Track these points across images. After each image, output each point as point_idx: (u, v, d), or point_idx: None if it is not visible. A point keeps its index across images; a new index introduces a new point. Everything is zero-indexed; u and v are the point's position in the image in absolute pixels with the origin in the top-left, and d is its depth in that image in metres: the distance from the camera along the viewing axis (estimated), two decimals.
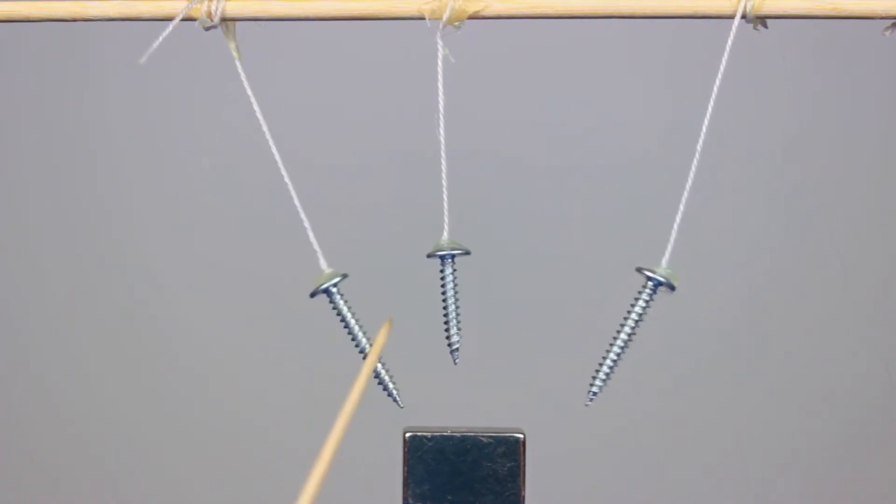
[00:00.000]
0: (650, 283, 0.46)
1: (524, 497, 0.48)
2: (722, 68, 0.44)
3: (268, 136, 0.46)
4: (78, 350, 1.02)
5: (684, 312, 0.98)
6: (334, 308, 0.48)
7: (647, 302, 0.46)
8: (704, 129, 0.44)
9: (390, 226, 0.99)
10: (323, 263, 0.48)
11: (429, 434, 0.48)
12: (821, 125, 0.98)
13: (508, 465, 0.48)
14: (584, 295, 0.98)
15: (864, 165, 0.99)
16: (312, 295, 0.48)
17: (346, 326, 0.49)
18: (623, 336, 0.46)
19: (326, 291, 0.48)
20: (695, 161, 0.45)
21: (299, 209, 0.48)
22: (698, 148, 0.44)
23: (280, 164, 0.47)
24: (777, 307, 1.01)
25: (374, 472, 0.82)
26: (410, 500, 0.48)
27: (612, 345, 0.46)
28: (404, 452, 0.48)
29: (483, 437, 0.48)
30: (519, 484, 0.48)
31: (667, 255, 0.46)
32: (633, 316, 0.46)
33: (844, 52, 0.96)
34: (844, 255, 0.96)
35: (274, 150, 0.47)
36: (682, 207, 0.45)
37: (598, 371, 0.47)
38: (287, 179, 0.47)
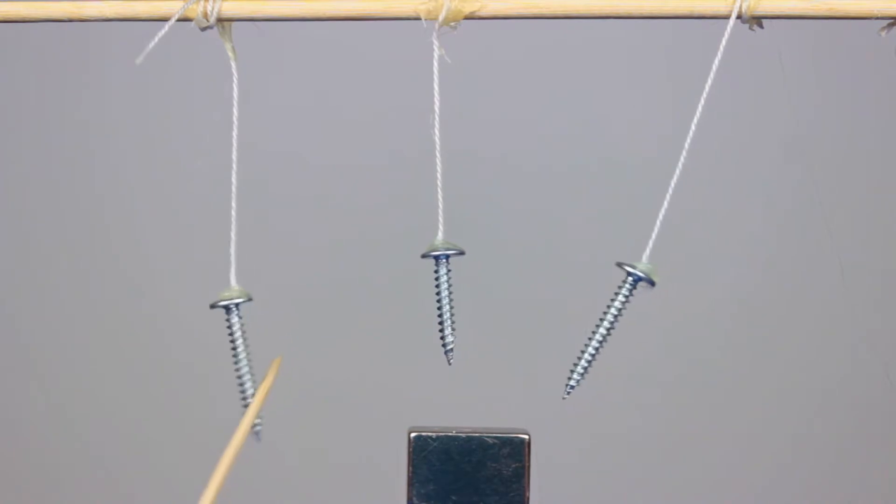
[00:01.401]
0: (630, 279, 0.46)
1: (528, 498, 0.48)
2: (714, 67, 0.44)
3: (234, 137, 0.46)
4: (77, 349, 1.02)
5: (684, 313, 0.98)
6: (229, 329, 0.46)
7: (626, 297, 0.46)
8: (693, 127, 0.44)
9: (385, 226, 0.99)
10: (233, 279, 0.47)
11: (433, 434, 0.47)
12: (819, 125, 0.98)
13: (513, 465, 0.47)
14: (580, 295, 0.97)
15: (863, 165, 0.99)
16: (212, 306, 0.46)
17: (234, 352, 0.47)
18: (601, 331, 0.46)
19: (226, 308, 0.46)
20: (682, 158, 0.45)
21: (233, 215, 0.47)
22: (686, 145, 0.44)
23: (234, 167, 0.47)
24: (776, 307, 1.01)
25: (378, 472, 0.82)
26: (415, 501, 0.48)
27: (589, 339, 0.47)
28: (409, 452, 0.48)
29: (488, 437, 0.48)
30: (524, 485, 0.48)
31: (647, 251, 0.46)
32: (612, 311, 0.46)
33: (841, 52, 0.96)
34: (844, 255, 0.96)
35: (234, 150, 0.46)
36: (665, 204, 0.45)
37: (575, 365, 0.47)
38: (234, 182, 0.47)
